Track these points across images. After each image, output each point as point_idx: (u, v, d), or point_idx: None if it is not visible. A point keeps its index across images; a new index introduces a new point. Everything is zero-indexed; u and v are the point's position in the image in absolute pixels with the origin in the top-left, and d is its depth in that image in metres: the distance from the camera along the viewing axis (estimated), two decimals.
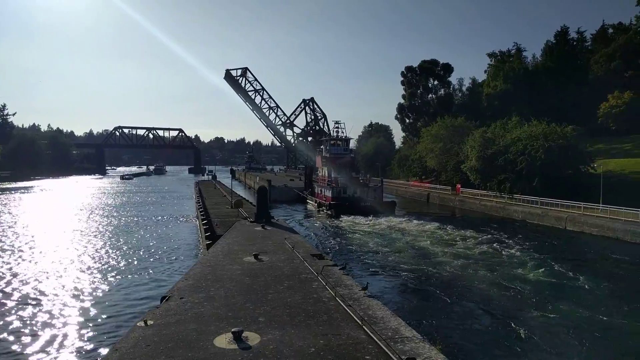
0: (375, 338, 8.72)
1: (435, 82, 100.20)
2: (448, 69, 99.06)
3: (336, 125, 56.05)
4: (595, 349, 13.95)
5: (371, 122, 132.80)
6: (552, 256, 26.85)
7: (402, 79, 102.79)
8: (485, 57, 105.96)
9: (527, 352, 13.44)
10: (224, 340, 8.85)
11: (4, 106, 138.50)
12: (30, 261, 24.66)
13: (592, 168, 46.23)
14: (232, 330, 8.97)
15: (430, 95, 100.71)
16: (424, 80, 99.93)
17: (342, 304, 11.05)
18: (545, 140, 46.24)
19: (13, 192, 78.12)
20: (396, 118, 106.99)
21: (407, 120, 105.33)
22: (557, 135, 46.99)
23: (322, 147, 59.71)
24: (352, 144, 62.10)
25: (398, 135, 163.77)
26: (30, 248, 28.27)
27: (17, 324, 15.35)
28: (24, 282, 20.53)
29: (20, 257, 25.75)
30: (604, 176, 40.08)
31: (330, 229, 37.96)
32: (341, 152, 53.93)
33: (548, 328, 15.38)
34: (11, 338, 14.13)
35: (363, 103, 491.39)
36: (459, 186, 59.23)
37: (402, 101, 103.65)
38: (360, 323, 9.63)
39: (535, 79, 76.66)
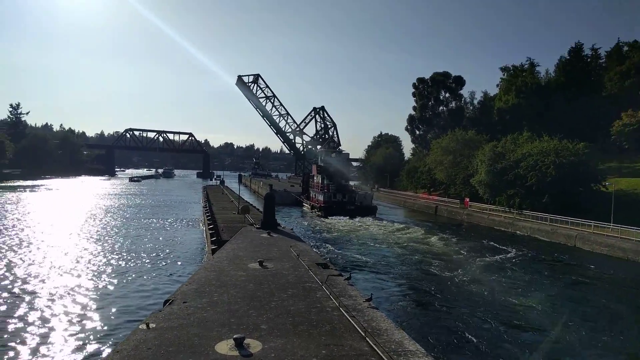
0: (378, 350, 8.57)
1: (447, 95, 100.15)
2: (460, 81, 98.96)
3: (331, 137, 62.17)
4: None
5: (381, 133, 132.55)
6: (559, 275, 26.46)
7: (413, 90, 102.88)
8: (498, 71, 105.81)
9: None
10: (225, 347, 8.76)
11: (18, 105, 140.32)
12: (31, 262, 24.48)
13: (604, 186, 45.63)
14: (234, 336, 8.87)
15: (441, 108, 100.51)
16: (435, 92, 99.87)
17: (345, 314, 10.91)
18: (557, 157, 45.77)
19: (21, 190, 78.90)
20: (406, 129, 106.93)
21: (417, 132, 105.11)
22: (568, 151, 46.52)
23: (317, 157, 66.81)
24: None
25: (407, 146, 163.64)
26: (30, 250, 28.03)
27: (16, 324, 15.23)
28: (25, 282, 20.46)
29: (21, 257, 25.59)
30: (616, 195, 39.54)
31: (317, 224, 46.52)
32: (334, 162, 60.65)
33: (552, 348, 15.08)
34: (10, 339, 14.08)
35: (373, 113, 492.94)
36: (467, 200, 58.83)
37: (413, 112, 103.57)
38: (363, 334, 9.49)
39: (548, 94, 76.18)
